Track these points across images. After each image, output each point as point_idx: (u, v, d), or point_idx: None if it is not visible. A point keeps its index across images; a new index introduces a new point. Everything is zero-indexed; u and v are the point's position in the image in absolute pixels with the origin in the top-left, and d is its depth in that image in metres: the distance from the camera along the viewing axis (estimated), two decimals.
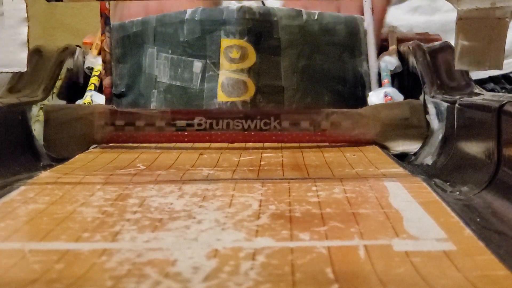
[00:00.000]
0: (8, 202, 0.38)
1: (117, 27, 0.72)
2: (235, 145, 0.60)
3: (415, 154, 0.59)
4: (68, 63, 0.73)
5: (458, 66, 0.42)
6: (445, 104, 0.57)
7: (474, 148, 0.47)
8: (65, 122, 0.59)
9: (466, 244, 0.29)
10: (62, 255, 0.28)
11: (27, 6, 0.42)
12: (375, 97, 0.67)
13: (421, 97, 0.63)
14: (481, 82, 0.85)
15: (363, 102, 0.67)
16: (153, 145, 0.60)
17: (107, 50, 0.68)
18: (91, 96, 0.69)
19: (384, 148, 0.59)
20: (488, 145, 0.43)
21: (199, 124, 0.59)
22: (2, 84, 0.63)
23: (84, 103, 0.68)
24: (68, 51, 0.73)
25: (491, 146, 0.43)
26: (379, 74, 0.71)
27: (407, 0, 0.97)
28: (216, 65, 0.65)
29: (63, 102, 0.69)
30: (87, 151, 0.58)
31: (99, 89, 0.71)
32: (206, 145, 0.60)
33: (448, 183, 0.45)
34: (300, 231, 0.31)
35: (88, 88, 0.71)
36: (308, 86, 0.68)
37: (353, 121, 0.59)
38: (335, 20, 0.70)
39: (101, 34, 0.69)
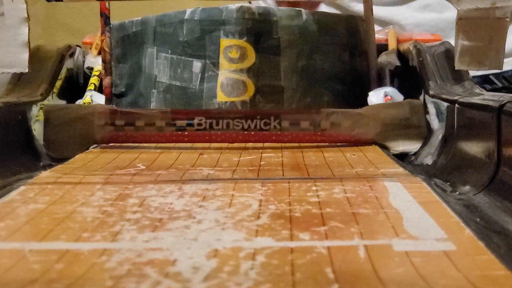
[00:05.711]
0: (8, 202, 0.38)
1: (117, 27, 0.72)
2: (235, 145, 0.60)
3: (415, 154, 0.59)
4: (68, 63, 0.73)
5: (458, 65, 0.42)
6: (445, 104, 0.57)
7: (474, 148, 0.47)
8: (65, 122, 0.59)
9: (466, 244, 0.29)
10: (62, 255, 0.28)
11: (27, 6, 0.42)
12: (375, 97, 0.67)
13: (421, 97, 0.63)
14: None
15: (363, 102, 0.67)
16: (153, 145, 0.60)
17: (107, 50, 0.68)
18: (91, 96, 0.69)
19: (384, 148, 0.59)
20: (488, 145, 0.43)
21: (199, 124, 0.59)
22: (2, 84, 0.63)
23: (84, 103, 0.68)
24: (68, 51, 0.73)
25: (491, 146, 0.43)
26: (379, 74, 0.71)
27: None
28: (216, 65, 0.65)
29: (63, 102, 0.69)
30: (87, 151, 0.58)
31: (99, 89, 0.72)
32: (206, 145, 0.60)
33: (448, 183, 0.45)
34: (300, 231, 0.31)
35: (88, 88, 0.71)
36: (308, 86, 0.67)
37: (353, 121, 0.59)
38: (334, 20, 0.70)
39: (101, 34, 0.69)
